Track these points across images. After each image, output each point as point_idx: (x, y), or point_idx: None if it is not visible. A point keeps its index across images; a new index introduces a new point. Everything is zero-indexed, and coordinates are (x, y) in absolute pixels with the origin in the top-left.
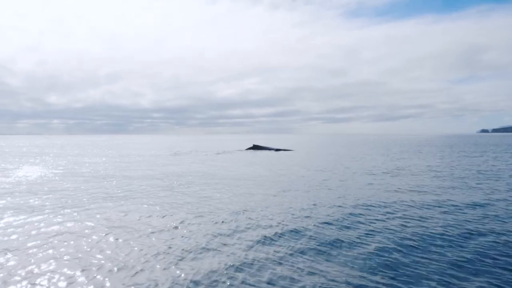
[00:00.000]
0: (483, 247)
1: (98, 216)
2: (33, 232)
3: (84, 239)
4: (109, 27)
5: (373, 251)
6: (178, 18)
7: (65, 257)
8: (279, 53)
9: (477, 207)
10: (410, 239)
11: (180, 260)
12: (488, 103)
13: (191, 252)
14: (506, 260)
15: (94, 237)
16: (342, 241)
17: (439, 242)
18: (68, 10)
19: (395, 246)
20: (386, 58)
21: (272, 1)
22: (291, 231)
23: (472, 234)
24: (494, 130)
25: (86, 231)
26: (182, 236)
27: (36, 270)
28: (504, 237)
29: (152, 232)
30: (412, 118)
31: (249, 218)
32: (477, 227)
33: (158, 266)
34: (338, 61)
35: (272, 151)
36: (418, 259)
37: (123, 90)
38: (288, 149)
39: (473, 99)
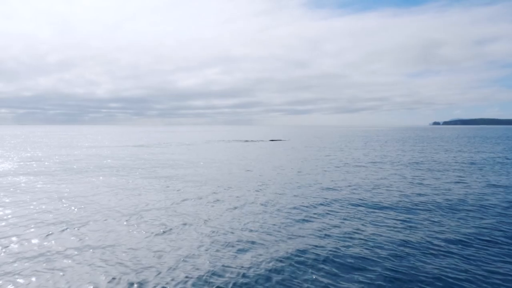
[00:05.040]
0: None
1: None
2: None
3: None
4: (58, 9)
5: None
6: (135, 1)
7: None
8: (241, 43)
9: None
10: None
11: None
12: (442, 96)
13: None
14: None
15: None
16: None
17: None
18: None
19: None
20: (347, 51)
21: None
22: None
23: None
24: (445, 123)
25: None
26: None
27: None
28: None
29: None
30: (370, 111)
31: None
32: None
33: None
34: (300, 53)
35: None
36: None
37: (77, 78)
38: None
39: (428, 92)
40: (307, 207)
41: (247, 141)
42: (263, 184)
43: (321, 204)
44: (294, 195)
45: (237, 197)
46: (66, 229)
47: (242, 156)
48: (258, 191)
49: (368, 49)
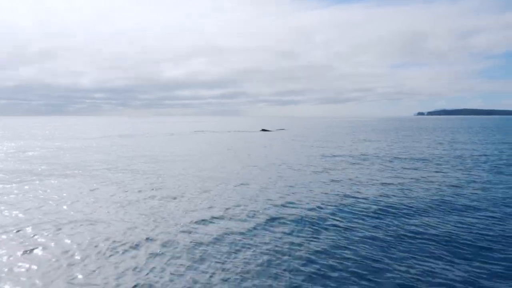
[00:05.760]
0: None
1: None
2: None
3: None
4: None
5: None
6: None
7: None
8: (228, 33)
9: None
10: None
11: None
12: (427, 88)
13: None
14: None
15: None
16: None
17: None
18: None
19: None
20: (334, 42)
21: None
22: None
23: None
24: (429, 113)
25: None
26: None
27: None
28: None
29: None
30: (355, 101)
31: None
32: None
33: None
34: (288, 43)
35: None
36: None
37: (61, 68)
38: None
39: (413, 84)
40: (291, 194)
41: (239, 131)
42: (255, 175)
43: (305, 191)
44: (281, 186)
45: (228, 187)
46: (49, 227)
47: (232, 146)
48: (249, 182)
49: (354, 41)
